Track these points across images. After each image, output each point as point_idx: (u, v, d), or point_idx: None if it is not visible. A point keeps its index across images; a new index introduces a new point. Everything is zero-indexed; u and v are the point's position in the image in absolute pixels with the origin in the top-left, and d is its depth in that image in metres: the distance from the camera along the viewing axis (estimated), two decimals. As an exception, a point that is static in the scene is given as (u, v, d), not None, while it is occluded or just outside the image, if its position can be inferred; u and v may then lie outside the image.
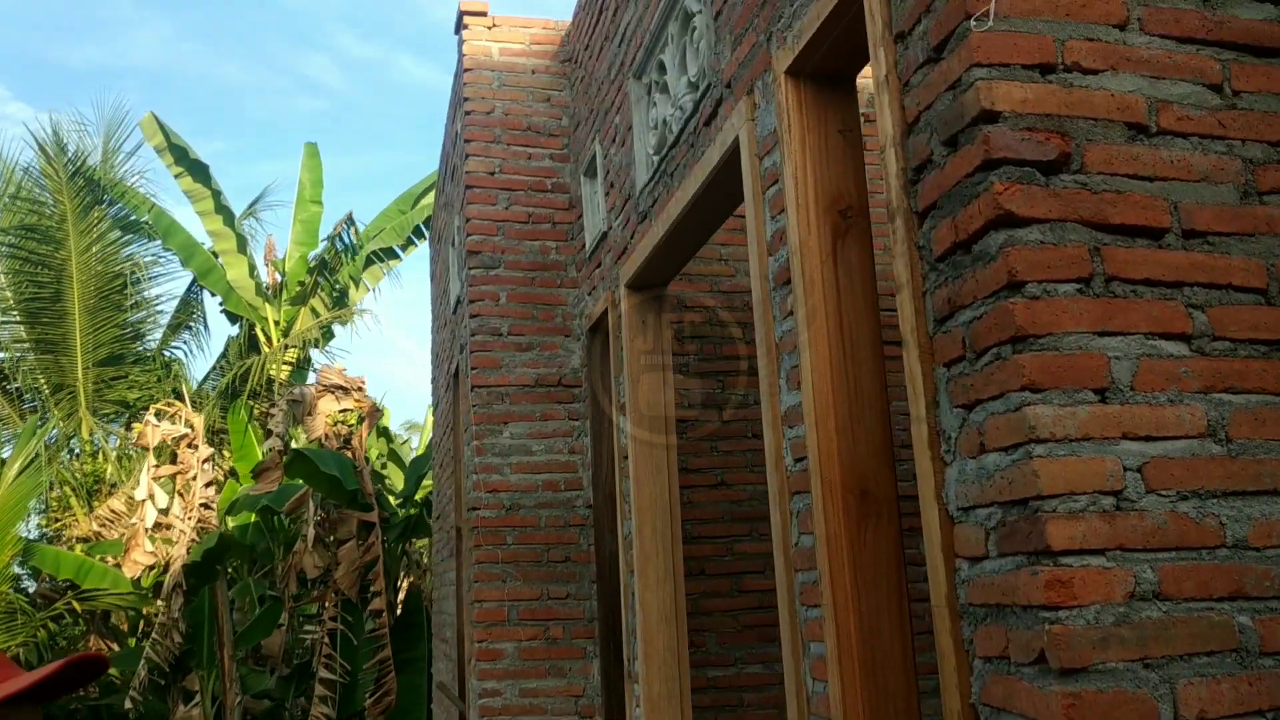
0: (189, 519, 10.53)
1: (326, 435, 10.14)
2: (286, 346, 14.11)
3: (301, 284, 14.66)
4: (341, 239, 14.26)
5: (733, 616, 5.35)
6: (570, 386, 5.52)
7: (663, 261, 4.21)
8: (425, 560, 12.97)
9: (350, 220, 14.17)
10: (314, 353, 14.88)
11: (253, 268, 14.88)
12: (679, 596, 4.32)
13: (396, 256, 15.65)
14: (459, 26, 5.87)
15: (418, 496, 11.44)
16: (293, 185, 15.60)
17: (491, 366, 5.44)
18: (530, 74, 5.78)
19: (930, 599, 2.07)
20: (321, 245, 14.72)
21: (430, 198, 16.09)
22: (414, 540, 11.55)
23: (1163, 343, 1.88)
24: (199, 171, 14.53)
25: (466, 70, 5.69)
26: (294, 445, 10.33)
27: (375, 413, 10.61)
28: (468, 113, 5.65)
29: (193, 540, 10.44)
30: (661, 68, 4.14)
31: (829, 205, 2.69)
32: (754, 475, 5.51)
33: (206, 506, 10.82)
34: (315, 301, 15.08)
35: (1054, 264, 1.85)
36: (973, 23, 1.92)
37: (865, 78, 3.23)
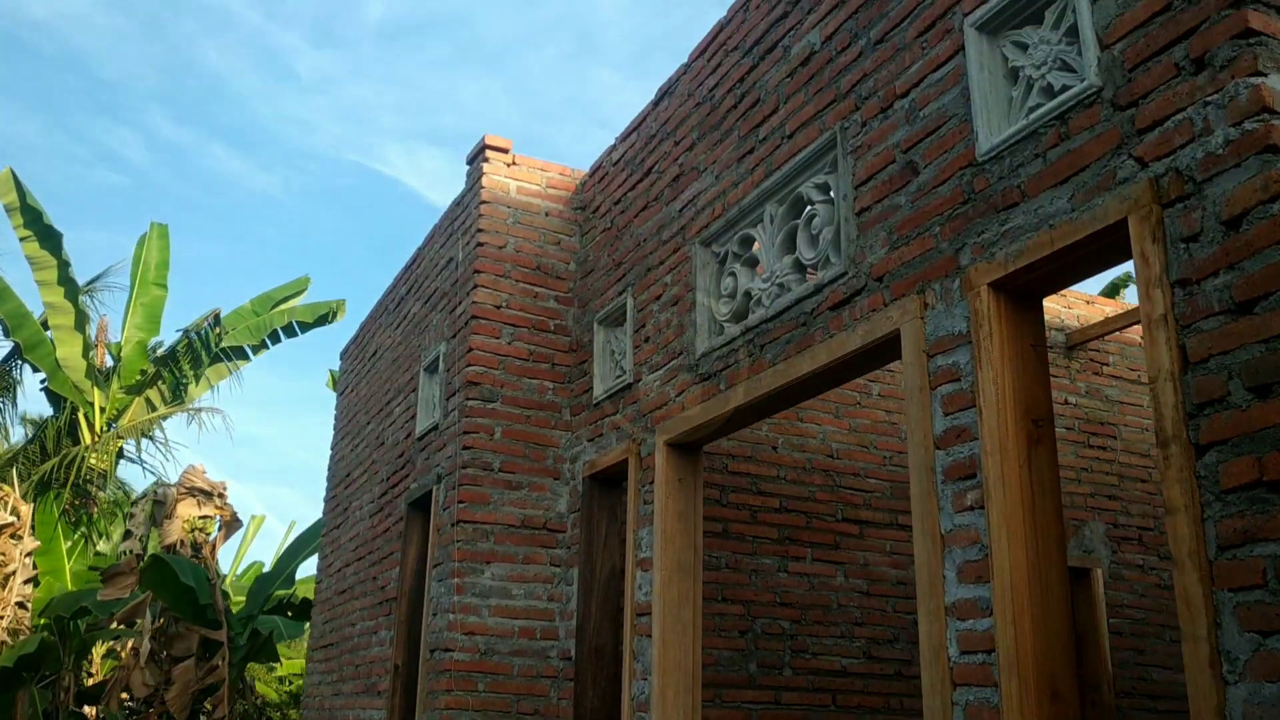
0: (1, 618, 9.44)
1: (181, 542, 9.40)
2: (118, 436, 13.10)
3: (143, 372, 13.76)
4: (199, 333, 13.53)
5: (690, 785, 5.24)
6: (555, 531, 5.42)
7: (724, 425, 4.28)
8: (281, 686, 12.07)
9: (217, 319, 13.49)
10: (147, 446, 13.87)
11: (88, 347, 13.88)
12: (696, 765, 4.25)
13: (246, 357, 14.96)
14: (477, 156, 5.89)
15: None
16: (126, 263, 14.59)
17: (480, 502, 5.29)
18: (544, 215, 5.84)
19: (1206, 814, 2.17)
20: (175, 335, 13.94)
21: (292, 303, 15.58)
22: (252, 664, 10.71)
23: None
24: (50, 239, 13.59)
25: (483, 202, 5.70)
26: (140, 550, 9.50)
27: (235, 522, 9.92)
28: (480, 244, 5.63)
29: (3, 642, 9.34)
30: (746, 241, 4.31)
31: (1024, 413, 2.87)
32: (721, 640, 5.51)
33: (22, 605, 9.74)
34: (152, 392, 14.15)
35: (1376, 517, 2.07)
36: (1304, 291, 2.16)
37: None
